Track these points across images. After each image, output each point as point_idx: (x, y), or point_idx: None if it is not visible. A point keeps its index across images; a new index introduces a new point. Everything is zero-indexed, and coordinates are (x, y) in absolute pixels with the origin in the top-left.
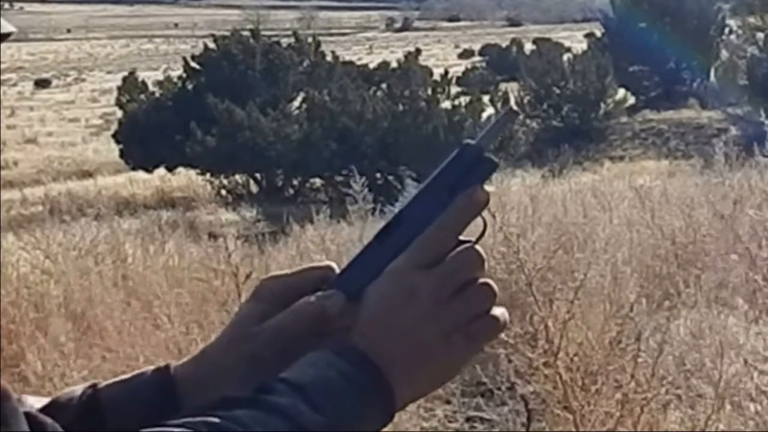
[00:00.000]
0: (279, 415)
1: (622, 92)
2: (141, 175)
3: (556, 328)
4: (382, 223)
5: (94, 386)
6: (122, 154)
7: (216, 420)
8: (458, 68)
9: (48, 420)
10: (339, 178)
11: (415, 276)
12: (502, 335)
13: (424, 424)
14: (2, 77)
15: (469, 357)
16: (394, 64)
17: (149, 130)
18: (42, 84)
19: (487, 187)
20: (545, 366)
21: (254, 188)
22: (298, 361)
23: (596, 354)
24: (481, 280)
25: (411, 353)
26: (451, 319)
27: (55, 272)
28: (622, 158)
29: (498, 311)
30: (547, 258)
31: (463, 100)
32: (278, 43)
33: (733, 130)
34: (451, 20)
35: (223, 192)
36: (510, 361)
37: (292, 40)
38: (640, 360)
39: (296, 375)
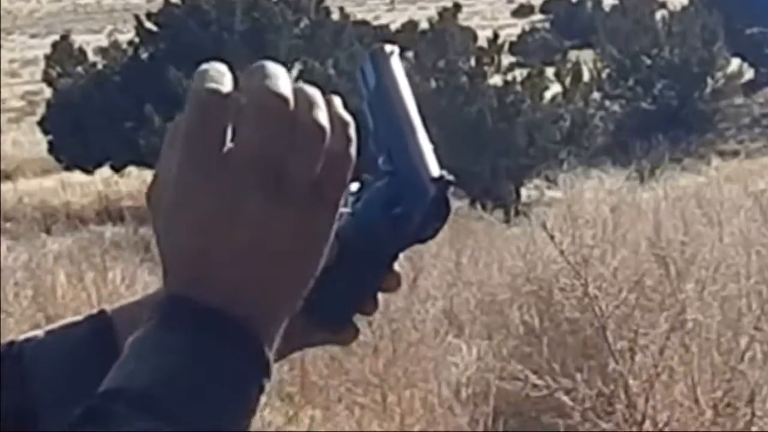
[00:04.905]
0: None
1: (735, 63)
2: (77, 176)
3: (639, 388)
4: None
5: (11, 343)
6: (51, 148)
7: None
8: (512, 30)
9: None
10: None
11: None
12: (566, 398)
13: None
14: None
15: (332, 215)
16: (424, 25)
17: (88, 114)
18: None
19: (552, 193)
20: None
21: None
22: (127, 351)
23: (695, 422)
24: (300, 121)
25: (262, 265)
26: (291, 196)
27: None
28: (736, 153)
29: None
30: (630, 291)
31: (519, 73)
32: None
33: None
34: None
35: None
36: None
37: None
38: (754, 429)
39: (137, 381)
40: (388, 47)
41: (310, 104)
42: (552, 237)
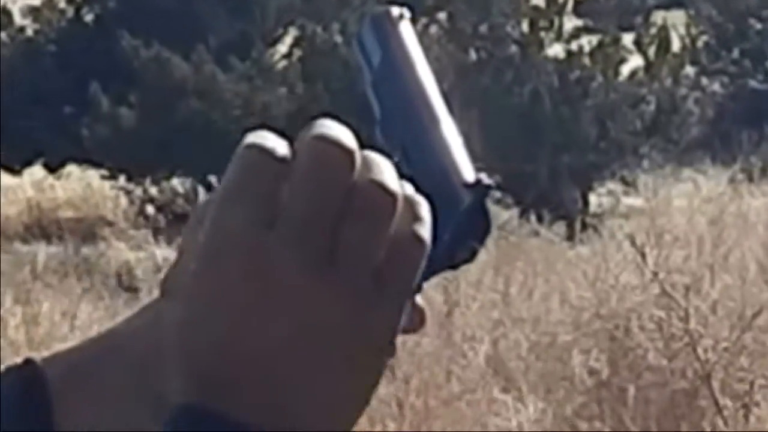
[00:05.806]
0: None
1: None
2: (0, 178)
3: None
4: None
5: None
6: None
7: None
8: None
9: None
10: None
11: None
12: None
13: None
14: None
15: (396, 314)
16: None
17: (15, 96)
18: None
19: (630, 201)
20: None
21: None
22: None
23: None
24: (361, 185)
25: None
26: (345, 282)
27: None
28: None
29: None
30: (741, 330)
31: (587, 42)
32: None
33: None
34: None
35: (150, 208)
36: None
37: None
38: None
39: None
40: (395, 9)
41: (377, 167)
42: (643, 255)
